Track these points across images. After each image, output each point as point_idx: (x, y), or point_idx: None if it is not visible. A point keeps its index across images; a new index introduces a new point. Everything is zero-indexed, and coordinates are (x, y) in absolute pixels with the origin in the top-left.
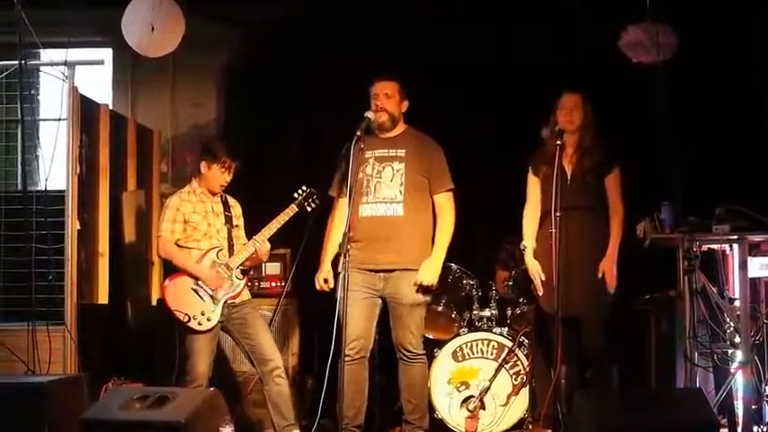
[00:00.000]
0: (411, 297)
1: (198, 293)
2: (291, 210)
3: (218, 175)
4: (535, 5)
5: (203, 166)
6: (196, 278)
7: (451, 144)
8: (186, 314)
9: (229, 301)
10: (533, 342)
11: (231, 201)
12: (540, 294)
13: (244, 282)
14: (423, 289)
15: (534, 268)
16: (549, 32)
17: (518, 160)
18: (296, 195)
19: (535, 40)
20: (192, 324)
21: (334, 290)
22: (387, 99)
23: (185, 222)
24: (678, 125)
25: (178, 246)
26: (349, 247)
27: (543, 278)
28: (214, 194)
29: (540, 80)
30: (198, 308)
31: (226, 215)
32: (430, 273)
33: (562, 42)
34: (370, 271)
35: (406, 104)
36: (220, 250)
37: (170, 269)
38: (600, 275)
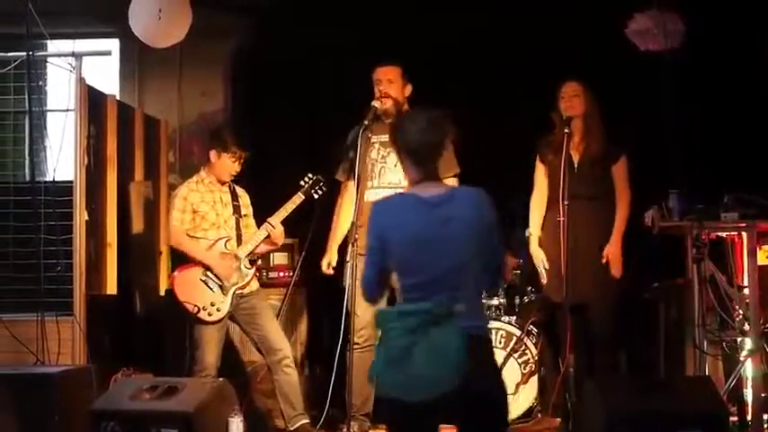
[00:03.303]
0: None
1: (207, 284)
2: (298, 197)
3: (229, 165)
4: None
5: (213, 154)
6: (206, 267)
7: (459, 129)
8: (196, 305)
9: (238, 291)
10: (542, 331)
11: (239, 191)
12: (545, 283)
13: (252, 272)
14: None
15: (538, 257)
16: (556, 20)
17: (526, 146)
18: (302, 183)
19: (543, 27)
20: (202, 315)
21: (340, 277)
22: (389, 84)
23: (194, 212)
24: (686, 113)
25: (188, 235)
26: (357, 236)
27: (547, 266)
28: (223, 184)
29: (547, 67)
30: (207, 298)
31: (234, 205)
32: None
33: (570, 30)
34: None
35: (409, 88)
36: (228, 240)
37: (178, 260)
38: (604, 261)
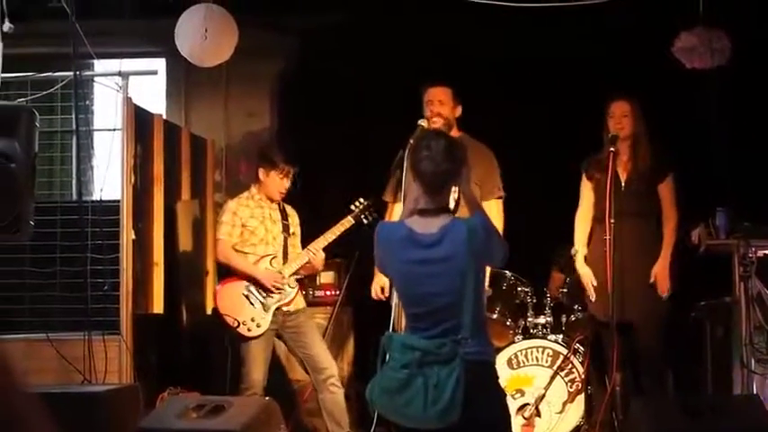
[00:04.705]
0: None
1: (249, 299)
2: (348, 221)
3: (277, 182)
4: (589, 12)
5: (261, 172)
6: (253, 280)
7: (507, 146)
8: (236, 319)
9: (284, 309)
10: (588, 349)
11: (289, 210)
12: (594, 301)
13: (296, 290)
14: None
15: (586, 274)
16: (602, 37)
17: (573, 162)
18: (353, 207)
19: (590, 45)
20: (242, 330)
21: (388, 297)
22: (441, 105)
23: (243, 227)
24: (732, 130)
25: (234, 250)
26: None
27: (595, 283)
28: (273, 201)
29: (594, 84)
30: (248, 313)
31: (283, 223)
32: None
33: (616, 47)
34: None
35: (459, 110)
36: (274, 257)
37: (224, 275)
38: (652, 280)
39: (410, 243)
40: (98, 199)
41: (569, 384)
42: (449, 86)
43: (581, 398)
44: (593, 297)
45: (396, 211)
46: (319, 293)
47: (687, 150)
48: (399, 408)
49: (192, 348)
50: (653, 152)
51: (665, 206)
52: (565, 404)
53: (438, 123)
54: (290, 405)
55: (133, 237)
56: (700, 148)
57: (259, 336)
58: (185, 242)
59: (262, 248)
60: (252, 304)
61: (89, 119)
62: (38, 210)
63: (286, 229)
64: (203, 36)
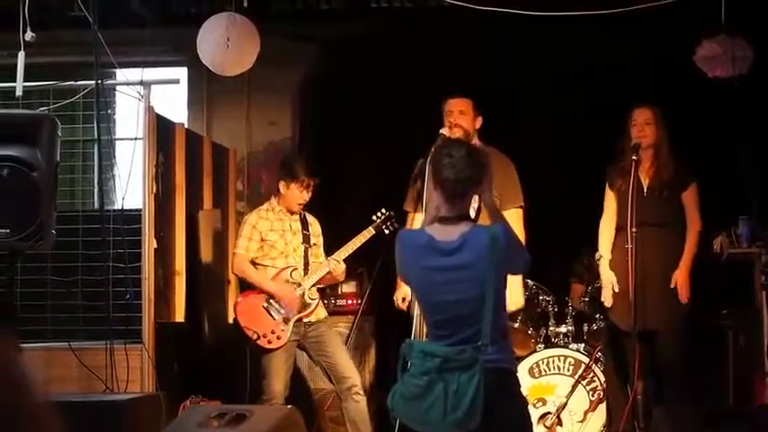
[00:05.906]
0: None
1: (269, 312)
2: (369, 232)
3: (297, 194)
4: (610, 21)
5: (282, 185)
6: (270, 295)
7: (529, 156)
8: (256, 332)
9: (305, 320)
10: (605, 358)
11: (310, 219)
12: (609, 305)
13: (316, 301)
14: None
15: (608, 278)
16: (625, 46)
17: (593, 173)
18: (374, 218)
19: (611, 53)
20: (262, 342)
21: (409, 307)
22: (461, 115)
23: (262, 240)
24: (755, 139)
25: (254, 263)
26: None
27: (617, 289)
28: (293, 213)
29: (616, 94)
30: (268, 326)
31: (304, 234)
32: (516, 298)
33: (638, 55)
34: None
35: (479, 121)
36: (294, 270)
37: (245, 287)
38: (672, 286)
39: (430, 250)
40: (120, 208)
41: (591, 393)
42: (469, 98)
43: (602, 407)
44: (608, 302)
45: (416, 222)
46: (341, 302)
47: (709, 159)
48: (420, 415)
49: (213, 357)
50: (675, 160)
51: (688, 214)
52: (586, 413)
53: (458, 133)
54: (313, 414)
55: (155, 245)
56: (722, 156)
57: (279, 347)
58: (207, 251)
59: (281, 261)
60: (272, 316)
61: (111, 128)
62: (60, 219)
63: (307, 239)
64: (225, 45)
